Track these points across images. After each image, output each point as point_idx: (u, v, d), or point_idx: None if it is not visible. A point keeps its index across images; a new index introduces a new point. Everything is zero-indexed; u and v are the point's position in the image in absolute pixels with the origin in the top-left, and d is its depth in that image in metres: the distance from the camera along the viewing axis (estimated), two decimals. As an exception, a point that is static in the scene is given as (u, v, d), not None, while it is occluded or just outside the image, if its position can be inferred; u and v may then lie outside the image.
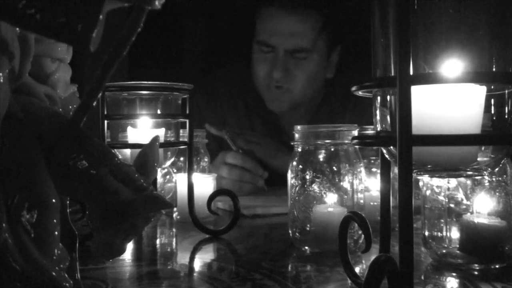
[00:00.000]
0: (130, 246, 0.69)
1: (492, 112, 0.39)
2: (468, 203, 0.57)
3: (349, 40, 1.46)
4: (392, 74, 0.38)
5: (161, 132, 0.76)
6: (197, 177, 0.85)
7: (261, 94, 1.40)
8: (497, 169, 0.53)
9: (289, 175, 0.67)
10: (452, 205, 0.57)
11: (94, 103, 0.27)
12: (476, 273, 0.54)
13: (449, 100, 0.37)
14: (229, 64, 1.60)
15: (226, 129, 1.29)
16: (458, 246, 0.56)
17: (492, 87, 0.38)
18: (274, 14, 1.32)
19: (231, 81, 1.49)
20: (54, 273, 0.25)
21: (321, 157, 0.65)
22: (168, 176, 1.01)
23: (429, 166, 0.38)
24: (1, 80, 0.25)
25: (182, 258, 0.65)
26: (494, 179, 0.56)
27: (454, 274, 0.54)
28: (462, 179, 0.56)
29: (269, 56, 1.34)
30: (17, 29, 0.26)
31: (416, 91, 0.35)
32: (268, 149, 1.27)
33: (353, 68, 1.41)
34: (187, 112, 0.76)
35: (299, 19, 1.31)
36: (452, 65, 0.37)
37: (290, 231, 0.67)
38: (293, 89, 1.36)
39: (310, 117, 1.44)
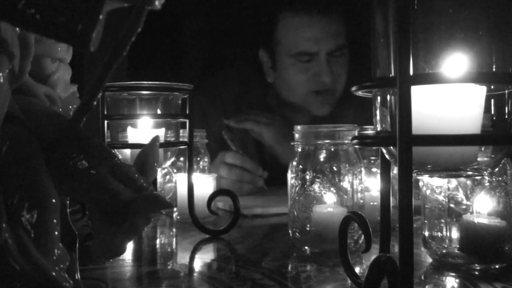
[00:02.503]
0: (130, 246, 0.69)
1: (492, 112, 0.39)
2: (468, 203, 0.57)
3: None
4: (392, 74, 0.38)
5: (161, 132, 0.76)
6: (197, 177, 0.85)
7: (303, 103, 1.39)
8: (497, 169, 0.53)
9: (289, 175, 0.67)
10: (452, 205, 0.57)
11: (94, 103, 0.27)
12: (476, 273, 0.54)
13: (449, 100, 0.37)
14: (233, 66, 1.59)
15: (225, 129, 1.29)
16: (458, 246, 0.56)
17: (492, 87, 0.38)
18: (304, 22, 1.31)
19: (234, 83, 1.49)
20: (54, 273, 0.25)
21: (321, 157, 0.65)
22: (168, 176, 1.01)
23: (429, 166, 0.38)
24: (1, 80, 0.25)
25: (182, 258, 0.65)
26: (494, 179, 0.56)
27: (454, 274, 0.54)
28: (462, 179, 0.56)
29: (309, 64, 1.33)
30: (17, 29, 0.26)
31: (416, 91, 0.35)
32: (277, 131, 1.27)
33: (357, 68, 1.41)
34: (187, 112, 0.76)
35: (330, 19, 1.32)
36: (452, 65, 0.37)
37: (290, 231, 0.67)
38: (337, 88, 1.37)
39: (312, 119, 1.44)
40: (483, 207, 0.56)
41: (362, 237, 0.62)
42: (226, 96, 1.46)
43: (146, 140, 0.41)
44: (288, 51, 1.35)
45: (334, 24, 1.32)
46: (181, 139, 0.79)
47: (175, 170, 0.99)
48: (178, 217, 0.87)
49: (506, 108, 0.39)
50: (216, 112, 1.44)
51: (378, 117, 0.41)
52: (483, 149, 0.39)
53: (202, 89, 1.45)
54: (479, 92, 0.38)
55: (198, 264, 0.62)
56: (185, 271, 0.59)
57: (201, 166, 1.02)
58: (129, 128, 0.76)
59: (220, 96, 1.46)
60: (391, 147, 0.40)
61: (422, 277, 0.54)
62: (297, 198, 0.66)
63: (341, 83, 1.37)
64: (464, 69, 0.37)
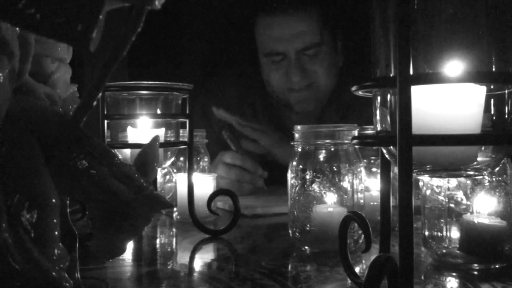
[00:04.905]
0: (130, 246, 0.69)
1: (492, 112, 0.39)
2: (468, 203, 0.57)
3: (350, 26, 1.46)
4: (392, 74, 0.38)
5: (161, 132, 0.76)
6: (197, 177, 0.85)
7: (283, 99, 1.39)
8: (497, 169, 0.53)
9: (289, 175, 0.67)
10: (452, 205, 0.57)
11: (94, 103, 0.27)
12: (476, 273, 0.54)
13: (449, 100, 0.37)
14: (236, 67, 1.60)
15: (225, 129, 1.29)
16: (458, 246, 0.56)
17: (492, 87, 0.38)
18: (274, 22, 1.32)
19: (238, 84, 1.49)
20: (54, 273, 0.25)
21: (321, 157, 0.65)
22: (168, 176, 1.01)
23: (429, 166, 0.38)
24: (1, 80, 0.25)
25: (182, 258, 0.65)
26: (494, 179, 0.56)
27: (454, 274, 0.54)
28: (462, 179, 0.56)
29: (282, 63, 1.34)
30: (17, 29, 0.26)
31: (416, 91, 0.35)
32: (273, 137, 1.28)
33: (360, 62, 1.41)
34: (187, 112, 0.76)
35: (300, 18, 1.31)
36: (452, 65, 0.37)
37: (290, 231, 0.67)
38: (315, 86, 1.36)
39: (319, 117, 1.43)
40: (483, 207, 0.56)
41: (362, 237, 0.62)
42: (229, 96, 1.46)
43: (146, 140, 0.41)
44: (262, 50, 1.37)
45: (304, 23, 1.31)
46: (181, 139, 0.79)
47: (175, 170, 0.99)
48: (178, 217, 0.87)
49: (506, 108, 0.39)
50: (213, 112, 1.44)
51: (378, 117, 0.41)
52: (483, 149, 0.39)
53: (204, 89, 1.45)
54: (479, 92, 0.38)
55: (198, 264, 0.62)
56: (185, 271, 0.59)
57: (201, 166, 1.01)
58: (129, 128, 0.76)
59: (223, 96, 1.46)
60: (391, 147, 0.40)
61: (422, 277, 0.54)
62: (297, 198, 0.66)
63: (322, 80, 1.36)
64: (464, 69, 0.37)
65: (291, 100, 1.38)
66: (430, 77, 0.36)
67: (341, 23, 1.43)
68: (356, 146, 0.65)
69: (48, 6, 0.20)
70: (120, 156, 0.72)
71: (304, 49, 1.32)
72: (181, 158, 0.99)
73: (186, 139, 0.76)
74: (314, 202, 0.65)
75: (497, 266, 0.55)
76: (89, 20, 0.20)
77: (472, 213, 0.56)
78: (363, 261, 0.60)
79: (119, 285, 0.52)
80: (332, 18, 1.38)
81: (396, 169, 0.37)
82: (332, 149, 0.65)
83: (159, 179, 0.97)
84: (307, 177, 0.65)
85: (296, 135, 0.67)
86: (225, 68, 1.66)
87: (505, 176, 0.56)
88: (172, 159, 0.82)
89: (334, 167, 0.65)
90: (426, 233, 0.58)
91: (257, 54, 1.42)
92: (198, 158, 1.01)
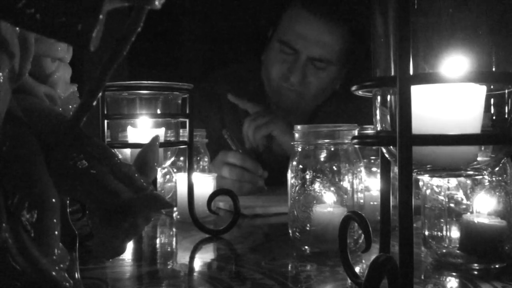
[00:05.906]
0: (130, 246, 0.69)
1: (492, 112, 0.39)
2: (468, 203, 0.57)
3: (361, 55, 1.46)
4: (392, 74, 0.38)
5: (161, 132, 0.76)
6: (197, 177, 0.85)
7: (269, 90, 1.40)
8: (497, 169, 0.53)
9: (289, 175, 0.67)
10: (452, 205, 0.57)
11: (94, 103, 0.27)
12: (476, 273, 0.54)
13: (449, 100, 0.37)
14: (229, 66, 1.59)
15: (225, 128, 1.29)
16: (458, 246, 0.56)
17: (492, 87, 0.38)
18: (304, 17, 1.31)
19: (230, 83, 1.49)
20: (54, 273, 0.25)
21: (321, 156, 0.65)
22: (168, 176, 1.01)
23: (429, 166, 0.38)
24: (1, 80, 0.25)
25: (182, 258, 0.65)
26: (494, 179, 0.56)
27: (454, 274, 0.54)
28: (462, 179, 0.56)
29: (289, 58, 1.33)
30: (17, 28, 0.26)
31: (416, 91, 0.35)
32: (282, 125, 1.28)
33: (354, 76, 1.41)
34: (187, 111, 0.76)
35: (328, 29, 1.31)
36: (452, 64, 0.37)
37: (290, 231, 0.67)
38: (304, 95, 1.36)
39: (308, 119, 1.44)
40: (483, 207, 0.56)
41: (362, 237, 0.62)
42: (221, 95, 1.46)
43: (146, 140, 0.41)
44: (280, 36, 1.36)
45: (330, 35, 1.31)
46: (181, 139, 0.79)
47: (175, 170, 0.99)
48: (178, 217, 0.87)
49: (506, 108, 0.39)
50: (213, 111, 1.44)
51: (378, 117, 0.41)
52: (483, 148, 0.39)
53: (197, 89, 1.44)
54: (479, 91, 0.38)
55: (198, 264, 0.62)
56: (185, 271, 0.59)
57: (201, 166, 1.01)
58: (129, 128, 0.76)
59: (215, 95, 1.46)
60: (391, 147, 0.40)
61: (422, 277, 0.54)
62: (297, 197, 0.66)
63: (310, 92, 1.36)
64: (464, 69, 0.37)
65: (275, 94, 1.39)
66: (430, 77, 0.36)
67: (356, 53, 1.42)
68: (356, 146, 0.65)
69: (48, 6, 0.20)
70: (120, 156, 0.72)
71: (316, 59, 1.31)
72: (181, 158, 0.99)
73: (186, 139, 0.76)
74: (314, 202, 0.65)
75: (497, 266, 0.55)
76: (89, 20, 0.20)
77: (472, 213, 0.56)
78: (363, 261, 0.60)
79: (119, 285, 0.52)
80: (353, 44, 1.37)
81: (396, 169, 0.37)
82: (332, 149, 0.65)
83: (159, 179, 0.97)
84: (307, 177, 0.65)
85: (296, 135, 0.67)
86: (219, 67, 1.66)
87: (505, 176, 0.56)
88: (172, 159, 0.82)
89: (334, 167, 0.65)
90: (426, 233, 0.58)
91: (268, 38, 1.40)
92: (198, 158, 1.01)
